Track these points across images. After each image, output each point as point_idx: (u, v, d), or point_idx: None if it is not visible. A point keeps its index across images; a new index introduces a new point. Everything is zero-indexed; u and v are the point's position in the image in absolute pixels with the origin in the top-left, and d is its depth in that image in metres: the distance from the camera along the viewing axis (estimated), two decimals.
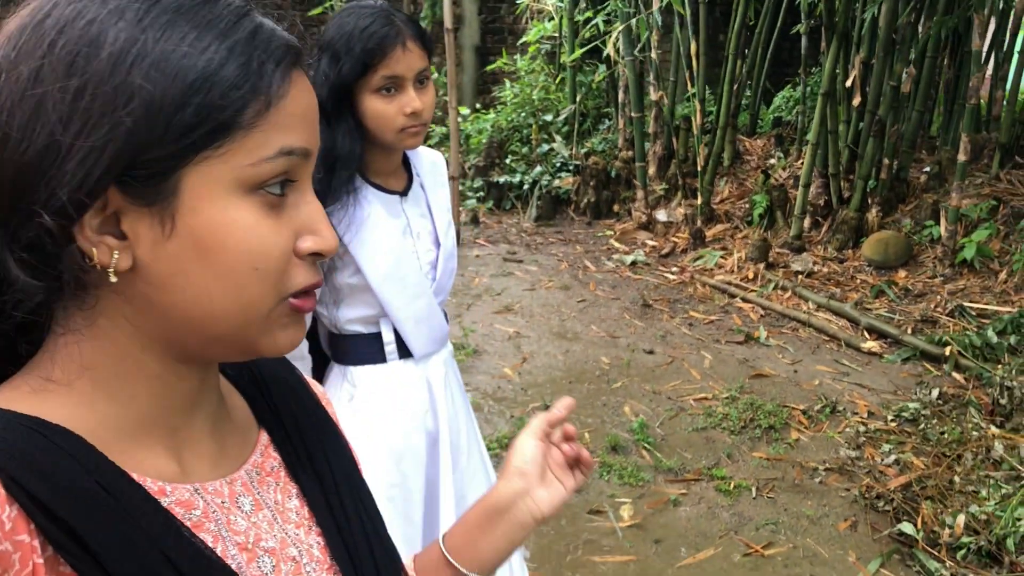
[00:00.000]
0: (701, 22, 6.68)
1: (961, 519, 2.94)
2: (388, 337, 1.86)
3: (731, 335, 4.97)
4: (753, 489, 3.34)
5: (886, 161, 6.14)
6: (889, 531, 3.04)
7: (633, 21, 6.50)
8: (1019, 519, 2.86)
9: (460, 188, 6.98)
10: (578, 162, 7.45)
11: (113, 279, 0.60)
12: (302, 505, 0.76)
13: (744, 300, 5.50)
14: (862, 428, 3.82)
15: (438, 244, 1.93)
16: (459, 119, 7.04)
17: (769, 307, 5.38)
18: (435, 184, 1.96)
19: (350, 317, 1.85)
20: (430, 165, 1.97)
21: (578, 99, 7.88)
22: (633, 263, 6.17)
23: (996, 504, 3.02)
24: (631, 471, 3.42)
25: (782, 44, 7.85)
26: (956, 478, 3.26)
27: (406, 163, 1.93)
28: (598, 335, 4.90)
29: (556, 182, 7.39)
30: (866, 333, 4.92)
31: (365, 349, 1.88)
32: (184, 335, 0.64)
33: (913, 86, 6.03)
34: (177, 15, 0.59)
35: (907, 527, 2.99)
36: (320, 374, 1.95)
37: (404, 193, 1.88)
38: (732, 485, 3.35)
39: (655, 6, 6.42)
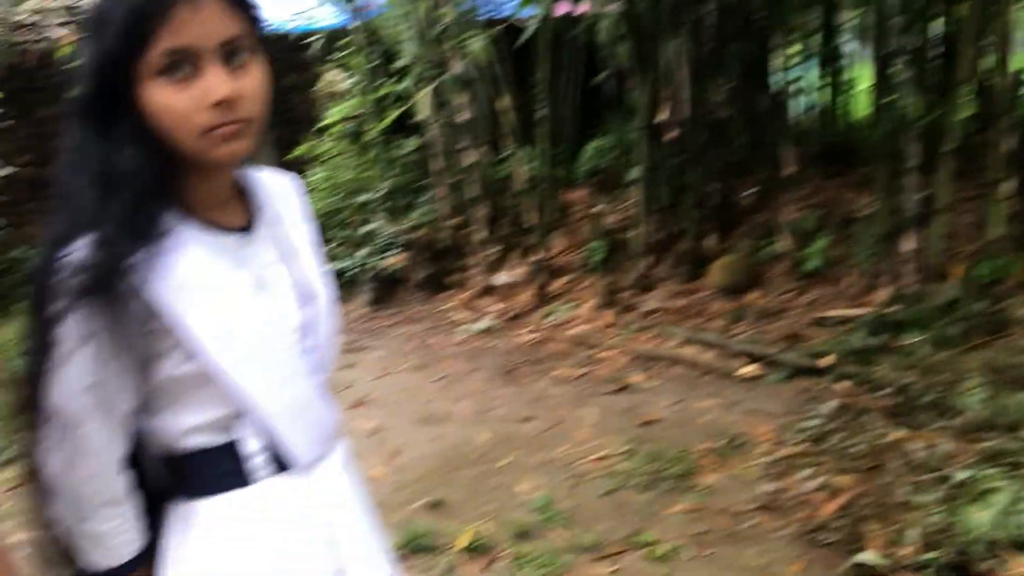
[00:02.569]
0: (505, 77, 6.52)
1: (915, 534, 2.69)
2: (253, 446, 1.22)
3: (605, 386, 4.65)
4: (686, 549, 2.97)
5: (712, 188, 6.13)
6: (845, 565, 2.74)
7: (447, 77, 6.24)
8: (974, 525, 2.63)
9: None
10: (405, 238, 7.05)
11: None
12: None
13: (607, 348, 5.23)
14: (772, 457, 3.57)
15: (310, 297, 1.31)
16: None
17: (634, 350, 5.12)
18: (293, 217, 1.37)
19: (189, 425, 1.20)
20: (280, 191, 1.38)
21: (393, 173, 7.52)
22: (484, 331, 5.79)
23: (942, 511, 2.79)
24: (548, 556, 2.97)
25: (583, 99, 7.86)
26: (892, 489, 3.03)
27: (245, 190, 1.32)
28: (467, 412, 4.45)
29: (385, 261, 6.94)
30: (739, 359, 4.75)
31: (219, 469, 1.23)
32: None
33: (726, 111, 6.08)
34: None
35: (865, 556, 2.70)
36: (153, 520, 1.26)
37: (247, 231, 1.26)
38: (662, 550, 2.97)
39: (456, 65, 6.21)
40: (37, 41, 5.65)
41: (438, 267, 6.96)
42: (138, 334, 1.12)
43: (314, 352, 1.32)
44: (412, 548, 3.09)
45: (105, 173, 1.11)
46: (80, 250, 1.08)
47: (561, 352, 5.26)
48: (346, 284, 7.10)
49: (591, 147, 8.74)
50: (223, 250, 1.21)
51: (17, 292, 7.46)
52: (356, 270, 6.98)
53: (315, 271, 1.35)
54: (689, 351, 4.97)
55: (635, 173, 5.98)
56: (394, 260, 6.96)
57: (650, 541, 3.03)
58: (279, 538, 1.25)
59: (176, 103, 1.09)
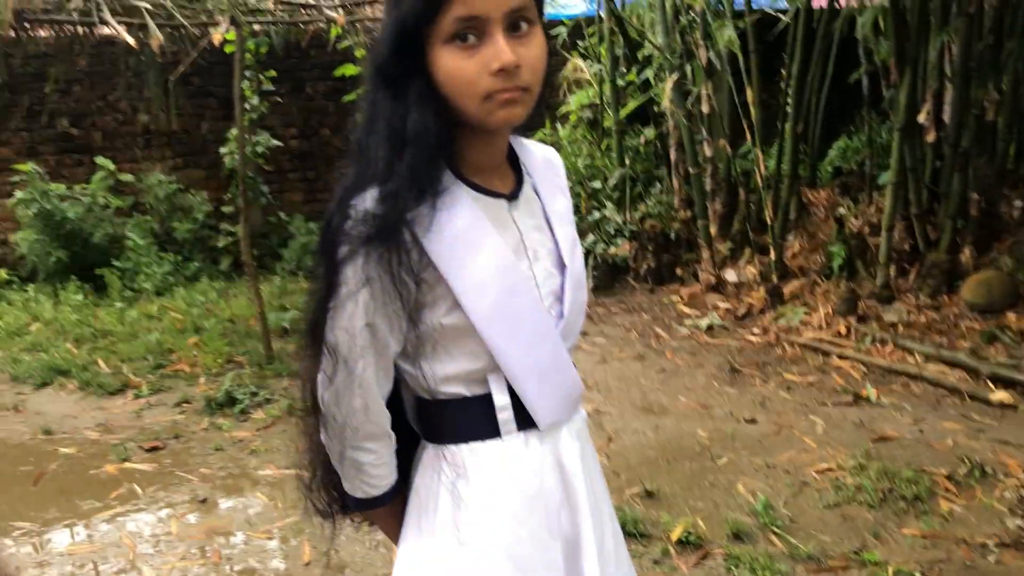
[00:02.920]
0: (754, 69, 6.33)
1: None
2: (502, 400, 1.28)
3: (837, 396, 4.43)
4: (918, 575, 2.77)
5: (974, 197, 5.66)
6: None
7: (688, 68, 6.15)
8: None
9: None
10: (633, 227, 7.03)
11: None
12: None
13: (841, 357, 4.97)
14: (1022, 493, 3.25)
15: (562, 267, 1.35)
16: None
17: (871, 363, 4.84)
18: (553, 189, 1.40)
19: (448, 374, 1.27)
20: (543, 163, 1.41)
21: (627, 162, 7.51)
22: (709, 327, 5.67)
23: None
24: (764, 562, 2.87)
25: (831, 96, 7.49)
26: None
27: (512, 158, 1.37)
28: (688, 406, 4.38)
29: (612, 249, 6.96)
30: (990, 383, 4.36)
31: (470, 419, 1.29)
32: None
33: (996, 114, 5.58)
34: None
35: None
36: (408, 458, 1.37)
37: (513, 197, 1.32)
38: (891, 571, 2.78)
39: (702, 55, 6.08)
40: (312, 22, 6.09)
41: (666, 259, 6.89)
42: (412, 281, 1.19)
43: (563, 319, 1.34)
44: (625, 532, 3.07)
45: (395, 132, 1.17)
46: (368, 201, 1.16)
47: (791, 357, 5.06)
48: None
49: (838, 146, 8.33)
50: (490, 212, 1.27)
51: (278, 252, 8.14)
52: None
53: (569, 242, 1.37)
54: (933, 369, 4.62)
55: (887, 176, 5.62)
56: (621, 248, 6.95)
57: (876, 561, 2.85)
58: (518, 491, 1.29)
59: (462, 68, 1.14)
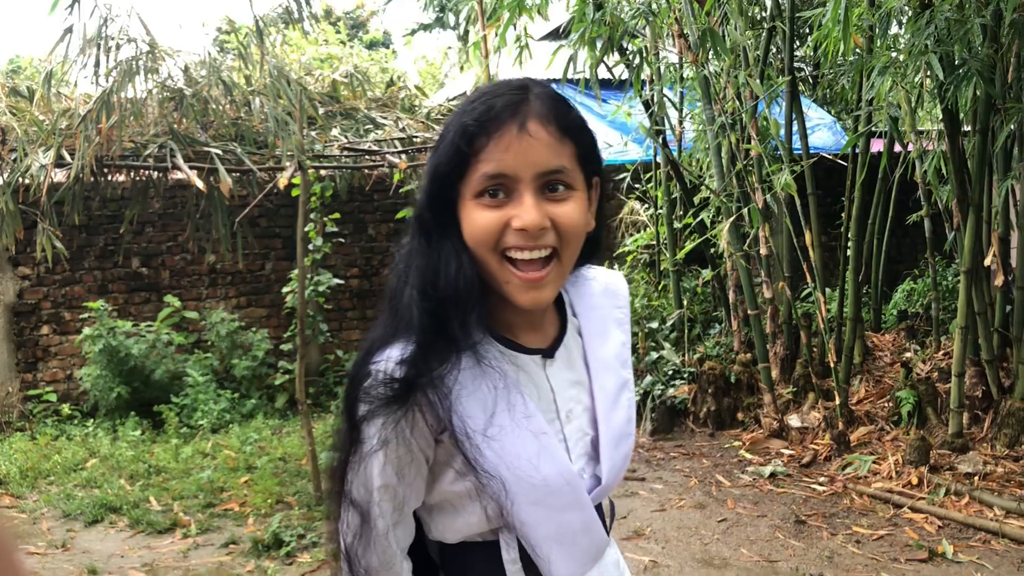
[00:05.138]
0: (812, 211, 6.32)
1: None
2: (510, 555, 1.23)
3: (910, 552, 4.16)
4: None
5: None
6: None
7: (745, 211, 6.16)
8: None
9: None
10: (692, 369, 6.91)
11: None
12: None
13: (913, 510, 4.70)
14: None
15: (602, 421, 1.29)
16: None
17: (946, 516, 4.56)
18: (607, 324, 1.34)
19: (462, 525, 1.24)
20: (602, 294, 1.36)
21: (684, 303, 7.46)
22: (772, 475, 5.44)
23: None
24: None
25: (892, 239, 7.45)
26: None
27: (559, 305, 1.32)
28: (751, 560, 4.15)
29: (670, 391, 6.82)
30: None
31: (477, 564, 1.26)
32: None
33: None
34: None
35: None
36: None
37: (549, 353, 1.26)
38: None
39: (759, 198, 6.10)
40: (375, 167, 6.30)
41: (726, 402, 6.72)
42: (430, 445, 1.19)
43: (603, 484, 1.29)
44: None
45: (427, 284, 1.16)
46: (392, 359, 1.15)
47: (860, 508, 4.81)
48: None
49: (902, 289, 8.20)
50: (521, 370, 1.23)
51: (334, 391, 8.17)
52: (639, 398, 6.91)
53: (613, 392, 1.32)
54: (1015, 525, 4.34)
55: (960, 317, 5.46)
56: (680, 391, 6.82)
57: None
58: None
59: (483, 221, 1.13)
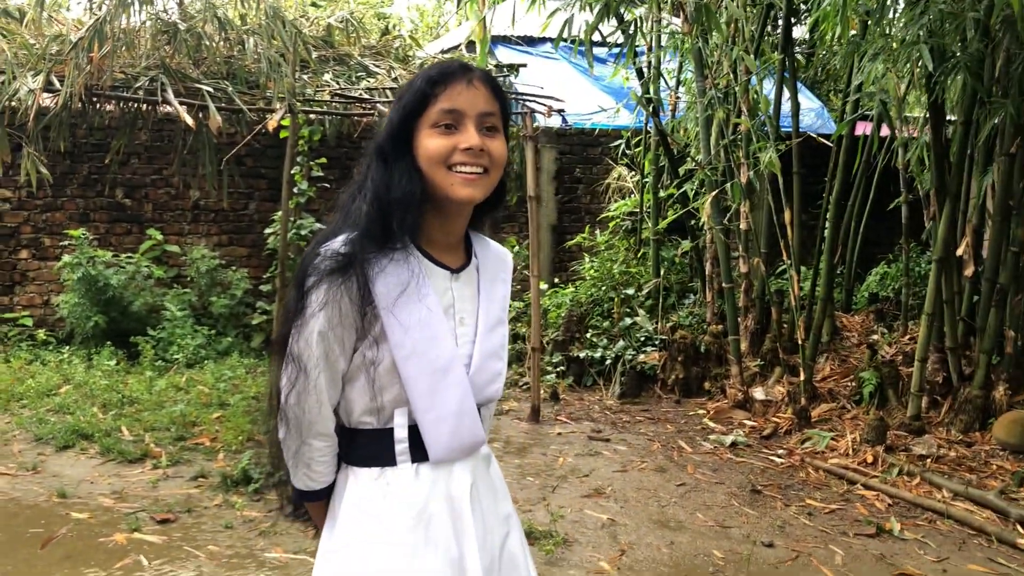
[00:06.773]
0: (795, 191, 6.41)
1: None
2: (400, 434, 1.56)
3: (859, 527, 4.31)
4: None
5: (1010, 334, 5.60)
6: None
7: (728, 186, 6.24)
8: None
9: (539, 363, 6.55)
10: (664, 336, 7.03)
11: None
12: None
13: (866, 487, 4.86)
14: None
15: (483, 337, 1.64)
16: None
17: (897, 495, 4.72)
18: (494, 276, 1.71)
19: (363, 406, 1.56)
20: (495, 257, 1.74)
21: (662, 272, 7.55)
22: (734, 444, 5.59)
23: None
24: None
25: (870, 223, 7.55)
26: None
27: (468, 246, 1.69)
28: (706, 524, 4.29)
29: (641, 357, 6.94)
30: (1020, 527, 4.23)
31: (373, 446, 1.58)
32: None
33: None
34: None
35: None
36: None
37: (456, 272, 1.63)
38: None
39: (743, 174, 6.18)
40: (365, 115, 6.30)
41: (694, 371, 6.86)
42: (358, 311, 1.49)
43: (477, 379, 1.60)
44: None
45: (379, 195, 1.51)
46: (336, 243, 1.48)
47: (815, 482, 4.96)
48: (599, 374, 7.17)
49: (876, 272, 8.32)
50: (435, 278, 1.58)
51: None
52: (610, 361, 7.03)
53: (492, 320, 1.66)
54: (960, 507, 4.50)
55: (928, 304, 5.59)
56: (651, 357, 6.94)
57: None
58: (408, 515, 1.53)
59: (438, 145, 1.51)
